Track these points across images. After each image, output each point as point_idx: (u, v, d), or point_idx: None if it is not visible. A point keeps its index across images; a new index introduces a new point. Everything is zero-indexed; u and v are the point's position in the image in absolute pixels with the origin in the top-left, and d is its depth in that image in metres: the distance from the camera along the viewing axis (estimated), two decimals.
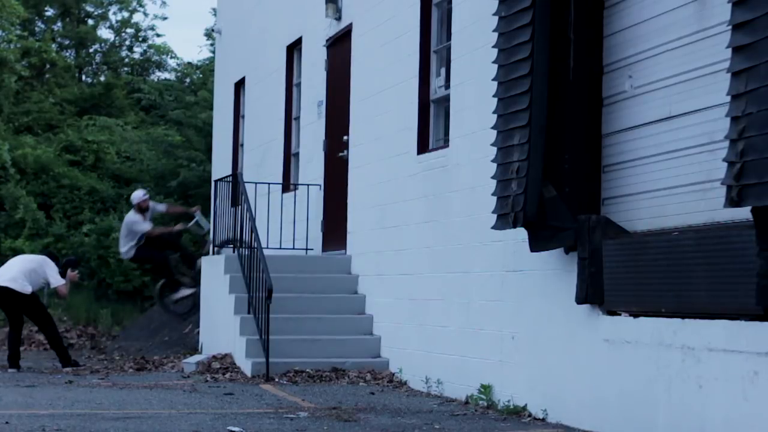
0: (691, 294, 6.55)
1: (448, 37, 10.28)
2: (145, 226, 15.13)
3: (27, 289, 12.50)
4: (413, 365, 10.48)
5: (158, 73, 30.14)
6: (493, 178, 8.26)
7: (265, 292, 10.84)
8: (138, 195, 15.35)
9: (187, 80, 28.12)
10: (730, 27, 6.07)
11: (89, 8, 29.23)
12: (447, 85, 10.36)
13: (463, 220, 9.62)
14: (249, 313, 11.61)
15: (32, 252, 21.22)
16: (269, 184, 14.08)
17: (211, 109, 20.14)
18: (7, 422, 7.43)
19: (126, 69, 29.80)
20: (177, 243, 15.72)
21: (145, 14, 35.42)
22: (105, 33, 29.57)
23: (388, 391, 10.15)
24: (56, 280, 12.69)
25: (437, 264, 10.14)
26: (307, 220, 13.46)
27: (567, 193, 7.78)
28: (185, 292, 15.50)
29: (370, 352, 11.38)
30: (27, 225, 21.76)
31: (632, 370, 7.11)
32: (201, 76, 27.20)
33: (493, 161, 8.30)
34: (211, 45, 26.43)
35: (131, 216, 15.25)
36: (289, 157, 14.71)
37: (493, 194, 8.26)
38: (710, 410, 6.35)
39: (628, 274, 7.20)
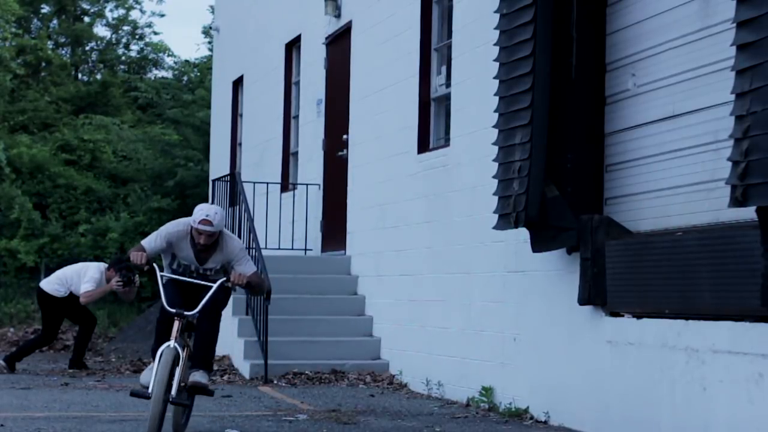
0: (695, 295, 6.49)
1: (449, 35, 10.20)
2: None
3: (59, 291, 12.35)
4: (414, 367, 10.41)
5: (155, 72, 30.04)
6: (494, 177, 8.20)
7: (263, 293, 10.74)
8: None
9: (185, 78, 28.01)
10: (734, 24, 6.01)
11: (85, 5, 29.10)
12: (448, 84, 10.29)
13: (464, 220, 9.55)
14: (247, 314, 11.54)
15: (30, 252, 21.20)
16: (268, 183, 14.00)
17: (209, 107, 20.06)
18: (2, 425, 7.37)
19: (123, 67, 29.68)
20: None
21: (142, 11, 35.51)
22: (101, 31, 29.46)
23: (388, 393, 10.09)
24: (80, 287, 12.23)
25: (438, 264, 10.07)
26: (306, 220, 13.39)
27: (569, 192, 7.73)
28: None
29: (369, 354, 11.31)
30: (22, 225, 21.65)
31: (635, 371, 7.05)
32: (199, 74, 27.10)
33: (494, 160, 8.23)
34: (209, 43, 26.33)
35: None
36: (288, 157, 14.65)
37: (494, 194, 8.19)
38: (714, 412, 6.29)
39: (631, 275, 7.14)
